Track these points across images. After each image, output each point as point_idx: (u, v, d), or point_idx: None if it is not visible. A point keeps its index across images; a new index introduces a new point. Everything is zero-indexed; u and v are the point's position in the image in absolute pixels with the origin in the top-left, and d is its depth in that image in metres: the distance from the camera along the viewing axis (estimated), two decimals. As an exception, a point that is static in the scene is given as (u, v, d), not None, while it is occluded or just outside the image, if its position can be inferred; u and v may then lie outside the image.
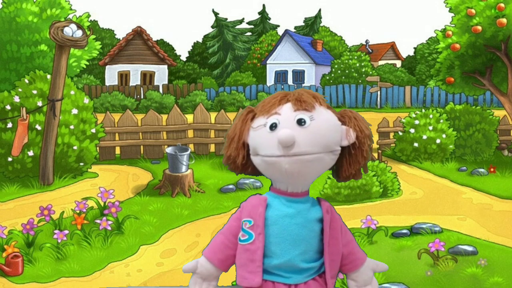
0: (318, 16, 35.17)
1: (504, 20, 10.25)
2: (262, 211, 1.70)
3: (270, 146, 1.63)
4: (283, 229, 1.68)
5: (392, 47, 33.72)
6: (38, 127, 8.71)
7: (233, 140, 1.75)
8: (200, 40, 34.70)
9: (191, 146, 10.88)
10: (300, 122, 1.62)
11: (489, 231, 6.63)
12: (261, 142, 1.67)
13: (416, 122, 10.82)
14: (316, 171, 1.68)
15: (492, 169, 9.85)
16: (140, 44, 27.24)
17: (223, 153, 1.80)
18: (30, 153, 8.62)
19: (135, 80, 26.99)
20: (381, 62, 31.69)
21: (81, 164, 9.20)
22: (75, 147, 8.92)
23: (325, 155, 1.65)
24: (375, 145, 11.48)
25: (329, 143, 1.65)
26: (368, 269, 1.86)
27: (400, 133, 11.06)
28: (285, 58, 28.78)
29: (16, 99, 8.81)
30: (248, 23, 35.31)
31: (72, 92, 9.15)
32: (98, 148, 9.78)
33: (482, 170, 9.74)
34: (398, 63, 32.74)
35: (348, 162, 1.73)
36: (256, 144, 1.69)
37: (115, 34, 31.97)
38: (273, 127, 1.64)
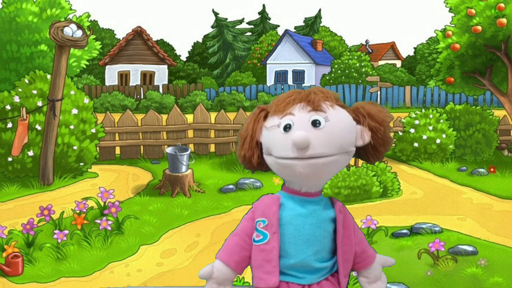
0: (318, 16, 35.18)
1: (504, 20, 10.24)
2: (276, 210, 1.68)
3: (284, 147, 1.60)
4: (297, 229, 1.67)
5: (392, 47, 33.72)
6: (38, 127, 8.71)
7: (245, 140, 1.73)
8: (200, 40, 34.71)
9: (191, 146, 10.88)
10: (315, 123, 1.59)
11: (489, 231, 6.62)
12: (275, 142, 1.64)
13: (416, 122, 10.82)
14: (330, 172, 1.66)
15: (492, 169, 9.84)
16: (140, 44, 27.24)
17: (237, 153, 1.78)
18: (30, 153, 8.62)
19: (135, 80, 26.99)
20: (381, 62, 31.69)
21: (81, 164, 9.20)
22: (75, 147, 8.92)
23: (340, 156, 1.62)
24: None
25: (344, 144, 1.63)
26: (378, 265, 1.88)
27: (400, 133, 11.06)
28: (285, 58, 28.78)
29: (16, 99, 8.81)
30: (248, 23, 35.33)
31: (72, 92, 9.15)
32: (98, 148, 9.78)
33: (482, 170, 9.74)
34: (398, 63, 32.74)
35: (368, 157, 1.74)
36: (269, 144, 1.66)
37: (115, 34, 31.99)
38: (287, 128, 1.61)
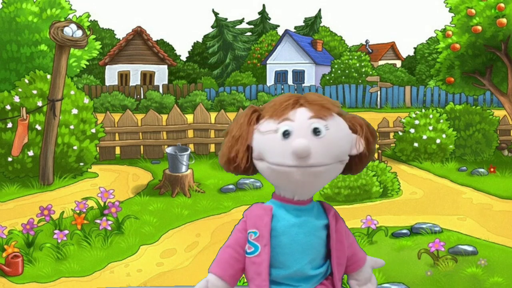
0: (318, 16, 35.16)
1: (504, 20, 10.25)
2: (268, 221, 1.63)
3: (282, 154, 1.54)
4: (291, 239, 1.63)
5: (392, 47, 33.71)
6: (38, 127, 8.71)
7: (237, 141, 1.64)
8: (200, 40, 34.68)
9: (191, 146, 10.87)
10: (316, 131, 1.54)
11: (489, 231, 6.63)
12: (271, 149, 1.57)
13: (416, 122, 10.83)
14: (325, 180, 1.63)
15: (492, 169, 9.85)
16: (140, 44, 27.23)
17: (223, 152, 1.68)
18: (30, 153, 8.62)
19: (135, 80, 26.99)
20: (381, 62, 31.68)
21: (81, 164, 9.20)
22: (75, 147, 8.92)
23: (335, 165, 1.59)
24: (375, 145, 11.47)
25: (340, 153, 1.59)
26: (368, 267, 1.86)
27: (400, 133, 11.07)
28: (285, 58, 28.77)
29: (16, 99, 8.81)
30: (248, 23, 35.30)
31: (72, 92, 9.15)
32: (98, 148, 9.79)
33: (482, 170, 9.74)
34: (398, 63, 32.72)
35: (355, 167, 1.71)
36: (264, 150, 1.59)
37: (115, 34, 31.93)
38: (286, 134, 1.54)
